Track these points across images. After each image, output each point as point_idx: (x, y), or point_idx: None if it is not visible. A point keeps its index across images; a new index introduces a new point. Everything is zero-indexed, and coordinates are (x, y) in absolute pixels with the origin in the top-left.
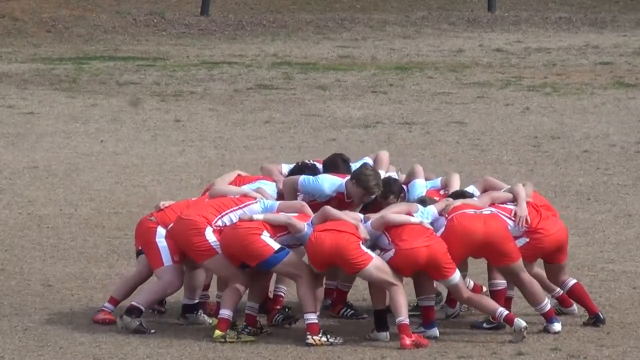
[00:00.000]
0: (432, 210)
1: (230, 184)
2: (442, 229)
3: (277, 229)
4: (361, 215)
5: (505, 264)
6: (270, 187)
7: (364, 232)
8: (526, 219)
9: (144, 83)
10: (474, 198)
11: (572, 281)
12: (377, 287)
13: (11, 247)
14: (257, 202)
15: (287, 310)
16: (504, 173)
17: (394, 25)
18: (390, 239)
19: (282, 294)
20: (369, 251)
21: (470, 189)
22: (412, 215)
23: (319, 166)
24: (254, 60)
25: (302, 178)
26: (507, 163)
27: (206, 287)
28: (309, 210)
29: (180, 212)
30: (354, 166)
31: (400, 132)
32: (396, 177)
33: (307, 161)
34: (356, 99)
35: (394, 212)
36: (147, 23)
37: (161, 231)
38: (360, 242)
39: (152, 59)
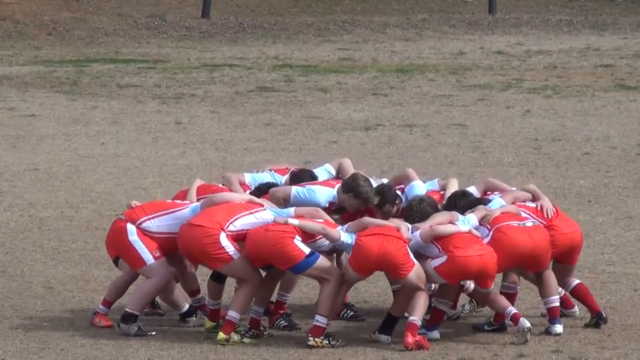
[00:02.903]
0: (473, 219)
1: (177, 197)
2: (487, 240)
3: (308, 235)
4: (409, 226)
5: (539, 270)
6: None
7: (406, 232)
8: (551, 210)
9: (145, 85)
10: (497, 200)
11: (576, 281)
12: (406, 296)
13: (12, 249)
14: (265, 209)
15: (289, 316)
16: (504, 175)
17: (394, 28)
18: (440, 247)
19: (286, 301)
20: (412, 257)
21: (471, 189)
22: (455, 224)
23: (279, 177)
24: (254, 62)
25: (295, 190)
26: (507, 165)
27: (197, 292)
28: (326, 215)
29: (150, 212)
30: (317, 172)
31: (401, 134)
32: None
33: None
34: (357, 102)
35: (438, 222)
36: (148, 25)
37: (131, 228)
38: (407, 246)
39: (153, 62)
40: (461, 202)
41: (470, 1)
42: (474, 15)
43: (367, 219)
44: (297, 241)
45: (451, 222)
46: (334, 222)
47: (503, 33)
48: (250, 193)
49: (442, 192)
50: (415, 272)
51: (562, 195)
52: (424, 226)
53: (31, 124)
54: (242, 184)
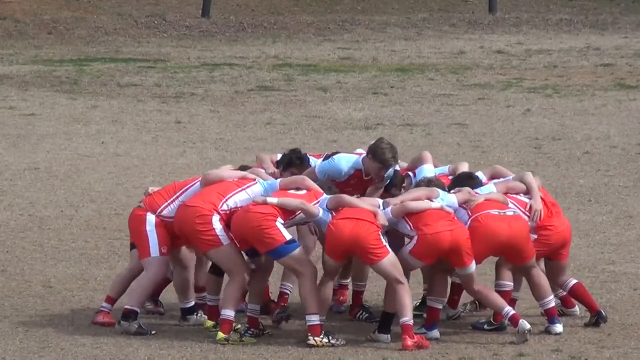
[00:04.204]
0: (453, 198)
1: (165, 191)
2: (466, 226)
3: (289, 212)
4: (380, 201)
5: (521, 263)
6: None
7: (382, 218)
8: (540, 213)
9: (145, 85)
10: (491, 185)
11: (573, 281)
12: (391, 289)
13: (12, 248)
14: (256, 182)
15: (284, 309)
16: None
17: (394, 27)
18: (412, 225)
19: (288, 291)
20: (386, 244)
21: (479, 174)
22: (432, 201)
23: (313, 159)
24: (254, 61)
25: (318, 165)
26: (508, 164)
27: (202, 289)
28: (311, 183)
29: (169, 196)
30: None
31: (401, 133)
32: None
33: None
34: (357, 101)
35: (413, 197)
36: (148, 25)
37: (150, 219)
38: (380, 232)
39: (153, 61)
40: (466, 183)
41: (471, 0)
42: (474, 14)
43: (345, 197)
44: (279, 224)
45: (428, 198)
46: (320, 190)
47: (503, 32)
48: (279, 161)
49: (450, 177)
50: (388, 260)
51: (562, 194)
52: (395, 201)
53: (31, 123)
54: (274, 164)
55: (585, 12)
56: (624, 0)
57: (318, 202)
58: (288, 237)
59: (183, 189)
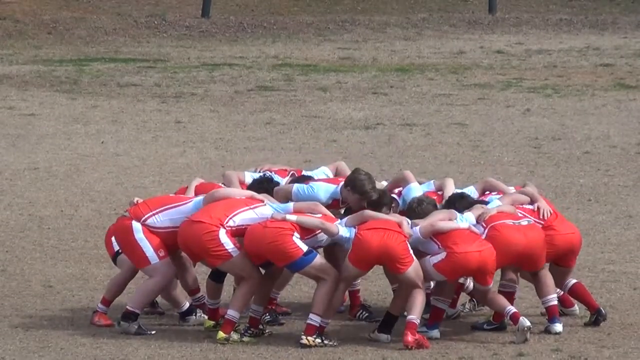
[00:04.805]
0: (471, 217)
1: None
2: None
3: (306, 230)
4: (408, 220)
5: (535, 269)
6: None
7: (407, 228)
8: (548, 211)
9: (145, 85)
10: (496, 200)
11: (573, 280)
12: (405, 294)
13: (12, 248)
14: (265, 205)
15: (274, 313)
16: (504, 174)
17: (394, 27)
18: (440, 244)
19: (276, 297)
20: (412, 253)
21: (470, 189)
22: (453, 221)
23: (278, 178)
24: (254, 61)
25: (296, 187)
26: (507, 164)
27: (196, 291)
28: (324, 209)
29: (155, 207)
30: (313, 174)
31: (401, 133)
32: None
33: (268, 174)
34: (357, 101)
35: (439, 219)
36: (148, 25)
37: (137, 226)
38: (407, 242)
39: (152, 61)
40: (460, 204)
41: (470, 0)
42: (474, 14)
43: (367, 212)
44: (296, 238)
45: (450, 220)
46: (333, 217)
47: (503, 32)
48: (249, 187)
49: (439, 193)
50: (413, 268)
51: (562, 194)
52: (424, 223)
53: (31, 123)
54: (242, 183)
55: (585, 12)
56: (624, 0)
57: (336, 222)
58: (305, 248)
59: (172, 205)
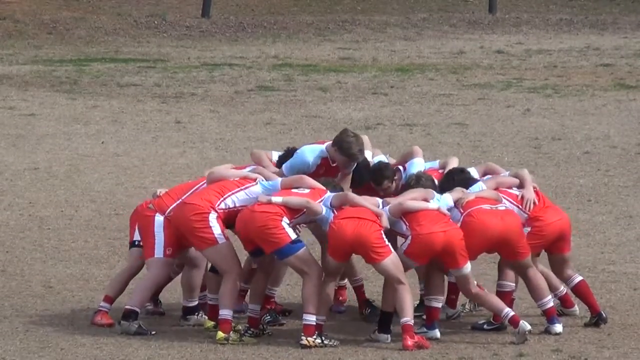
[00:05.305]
0: (449, 199)
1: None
2: (459, 224)
3: (294, 210)
4: (380, 200)
5: (516, 259)
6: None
7: (385, 221)
8: (533, 202)
9: (145, 85)
10: (480, 183)
11: (579, 277)
12: (391, 289)
13: (12, 248)
14: (257, 183)
15: (274, 313)
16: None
17: (394, 27)
18: (407, 225)
19: (273, 294)
20: (389, 244)
21: (472, 170)
22: (429, 202)
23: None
24: (254, 62)
25: (285, 164)
26: (507, 164)
27: (203, 288)
28: (313, 181)
29: (177, 197)
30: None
31: (401, 133)
32: (386, 160)
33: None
34: (357, 101)
35: (410, 198)
36: (148, 25)
37: (159, 220)
38: (382, 231)
39: (153, 61)
40: (458, 178)
41: (471, 0)
42: (474, 14)
43: (349, 194)
44: (284, 224)
45: (425, 199)
46: (322, 188)
47: (503, 32)
48: (277, 163)
49: (440, 171)
50: (391, 260)
51: (562, 194)
52: (394, 201)
53: (31, 123)
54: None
55: (585, 12)
56: (624, 0)
57: (322, 200)
58: (293, 236)
59: (192, 190)
